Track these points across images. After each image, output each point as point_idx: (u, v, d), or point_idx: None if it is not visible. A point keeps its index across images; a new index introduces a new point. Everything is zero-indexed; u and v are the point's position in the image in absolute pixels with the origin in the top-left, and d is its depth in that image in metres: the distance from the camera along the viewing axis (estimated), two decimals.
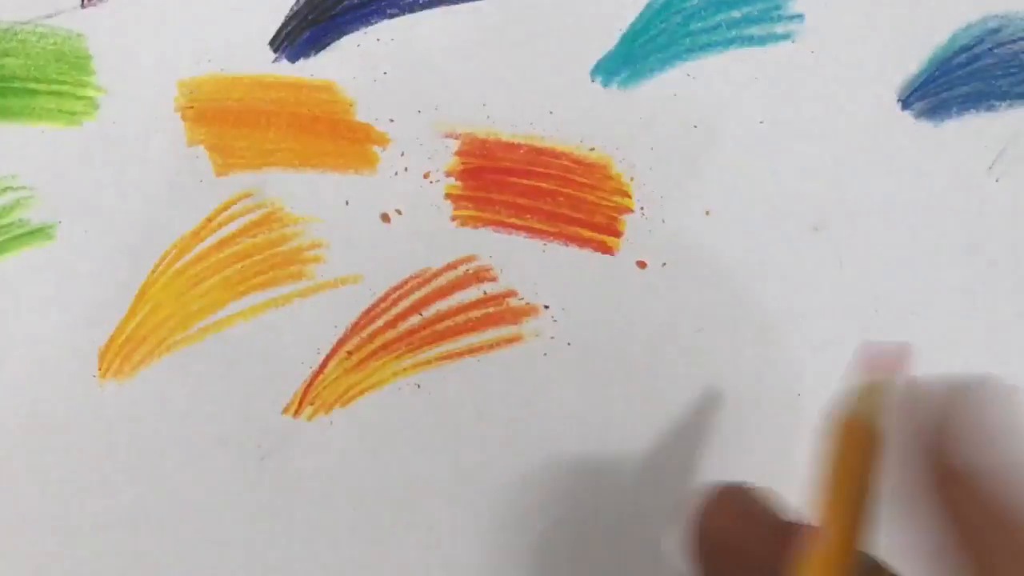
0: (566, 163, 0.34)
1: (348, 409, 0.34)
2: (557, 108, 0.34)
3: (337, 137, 0.34)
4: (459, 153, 0.34)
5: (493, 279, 0.34)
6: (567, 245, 0.34)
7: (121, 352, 0.33)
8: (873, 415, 0.21)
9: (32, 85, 0.33)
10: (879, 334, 0.33)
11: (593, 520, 0.33)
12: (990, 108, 0.34)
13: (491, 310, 0.34)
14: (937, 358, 0.33)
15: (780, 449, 0.33)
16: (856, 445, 0.21)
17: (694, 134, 0.34)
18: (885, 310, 0.34)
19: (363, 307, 0.34)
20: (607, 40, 0.34)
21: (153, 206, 0.33)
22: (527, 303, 0.34)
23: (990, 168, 0.34)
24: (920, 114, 0.34)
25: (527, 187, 0.34)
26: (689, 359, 0.34)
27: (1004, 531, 0.17)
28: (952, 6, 0.34)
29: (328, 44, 0.34)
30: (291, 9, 0.34)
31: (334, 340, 0.34)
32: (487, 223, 0.34)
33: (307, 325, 0.33)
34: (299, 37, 0.34)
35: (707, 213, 0.34)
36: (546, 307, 0.34)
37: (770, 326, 0.34)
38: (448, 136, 0.33)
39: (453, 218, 0.34)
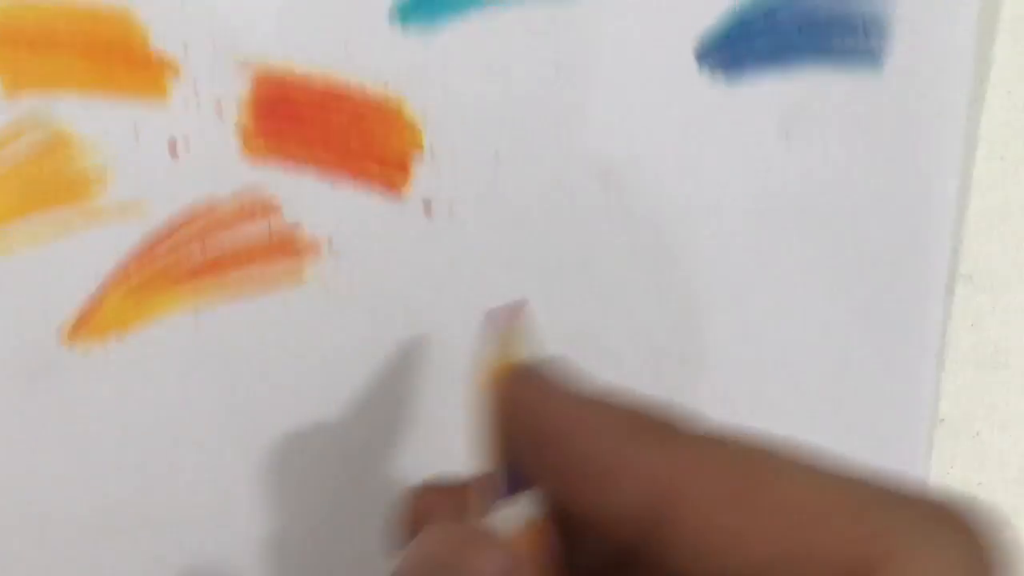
0: (359, 100, 0.33)
1: (124, 338, 0.33)
2: (355, 45, 0.33)
3: (129, 64, 0.33)
4: (252, 86, 0.33)
5: (278, 213, 0.33)
6: (355, 181, 0.33)
7: None
8: (513, 361, 0.23)
9: None
10: (665, 285, 0.33)
11: (365, 469, 0.33)
12: (785, 67, 0.34)
13: (275, 242, 0.33)
14: (724, 316, 0.32)
15: None
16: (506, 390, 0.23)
17: (489, 80, 0.34)
18: (670, 262, 0.33)
19: (145, 235, 0.33)
20: None
21: None
22: (311, 240, 0.33)
23: (782, 128, 0.34)
24: (715, 68, 0.34)
25: (319, 122, 0.33)
26: (472, 307, 0.34)
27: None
28: None
29: None
30: None
31: (113, 268, 0.33)
32: (277, 156, 0.33)
33: (87, 251, 0.33)
34: None
35: (496, 157, 0.34)
36: (330, 244, 0.33)
37: (552, 273, 0.33)
38: (243, 68, 0.33)
39: (242, 150, 0.33)
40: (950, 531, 0.18)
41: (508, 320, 0.24)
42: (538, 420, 0.21)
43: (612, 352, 0.35)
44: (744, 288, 0.34)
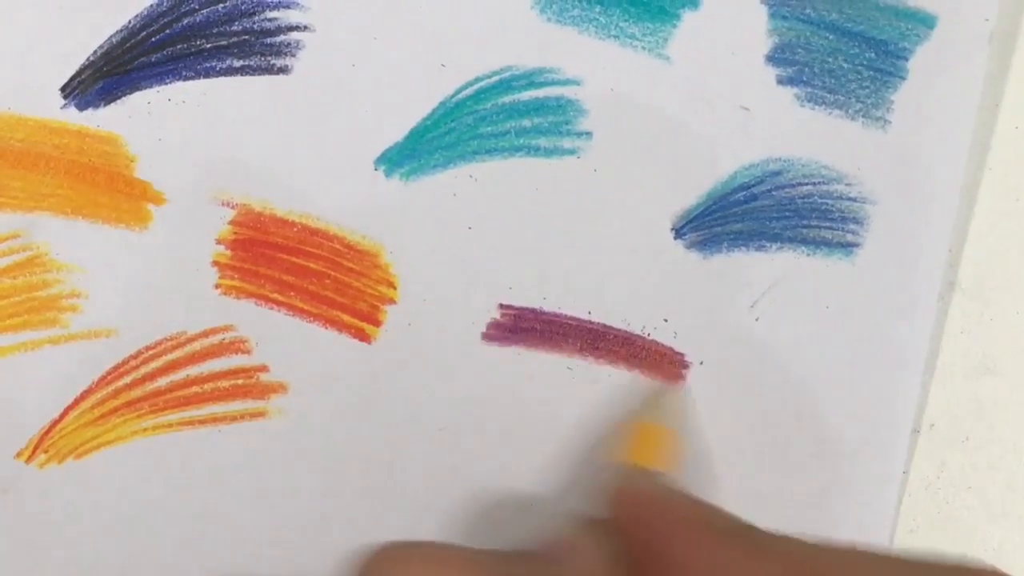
0: (337, 246, 0.34)
1: (82, 462, 0.33)
2: (337, 191, 0.34)
3: (114, 190, 0.34)
4: (232, 222, 0.34)
5: (247, 352, 0.34)
6: (326, 327, 0.34)
7: None
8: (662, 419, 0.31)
9: None
10: None
11: None
12: (760, 248, 0.34)
13: (240, 382, 0.34)
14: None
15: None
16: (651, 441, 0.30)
17: (468, 236, 0.34)
18: None
19: (113, 362, 0.33)
20: (396, 132, 0.34)
21: None
22: (277, 380, 0.34)
23: (752, 306, 0.34)
24: (691, 245, 0.34)
25: (295, 265, 0.34)
26: (434, 459, 0.34)
27: None
28: (737, 144, 0.34)
29: (119, 97, 0.34)
30: (87, 58, 0.34)
31: (79, 391, 0.33)
32: (250, 295, 0.34)
33: (54, 373, 0.33)
34: (92, 87, 0.34)
35: (465, 315, 0.34)
36: (295, 386, 0.33)
37: (510, 432, 0.33)
38: (224, 204, 0.34)
39: (217, 286, 0.34)
40: None
41: (663, 388, 0.30)
42: (650, 512, 0.24)
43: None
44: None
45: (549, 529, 0.25)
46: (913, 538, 0.36)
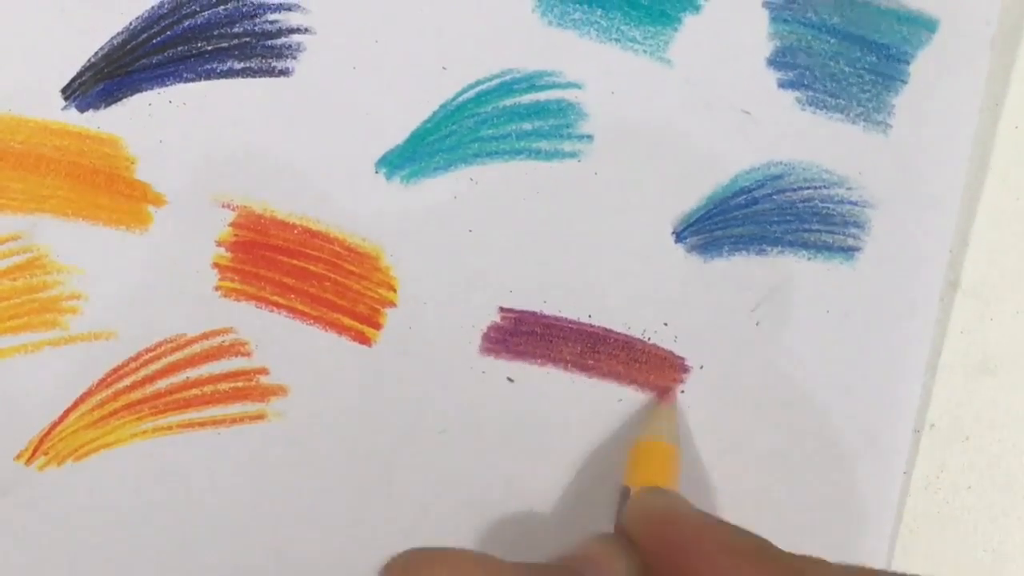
0: (337, 249, 0.34)
1: (81, 464, 0.33)
2: (337, 194, 0.34)
3: (114, 192, 0.34)
4: (233, 224, 0.34)
5: (247, 354, 0.34)
6: (326, 330, 0.34)
7: None
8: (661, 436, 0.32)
9: None
10: None
11: None
12: (761, 252, 0.34)
13: (239, 384, 0.34)
14: None
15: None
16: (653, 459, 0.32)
17: (469, 239, 0.34)
18: None
19: (113, 364, 0.33)
20: (397, 134, 0.34)
21: None
22: (277, 383, 0.34)
23: (752, 310, 0.34)
24: (692, 249, 0.34)
25: (295, 268, 0.34)
26: (433, 462, 0.34)
27: None
28: (738, 147, 0.34)
29: (120, 99, 0.34)
30: (88, 60, 0.34)
31: (78, 393, 0.33)
32: (250, 298, 0.34)
33: (54, 375, 0.33)
34: (92, 88, 0.34)
35: (464, 318, 0.34)
36: (295, 389, 0.33)
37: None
38: (224, 206, 0.34)
39: (217, 288, 0.34)
40: None
41: (660, 401, 0.31)
42: (666, 527, 0.25)
43: None
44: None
45: (570, 543, 0.25)
46: (913, 538, 0.36)
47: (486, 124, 0.34)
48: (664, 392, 0.34)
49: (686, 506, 0.26)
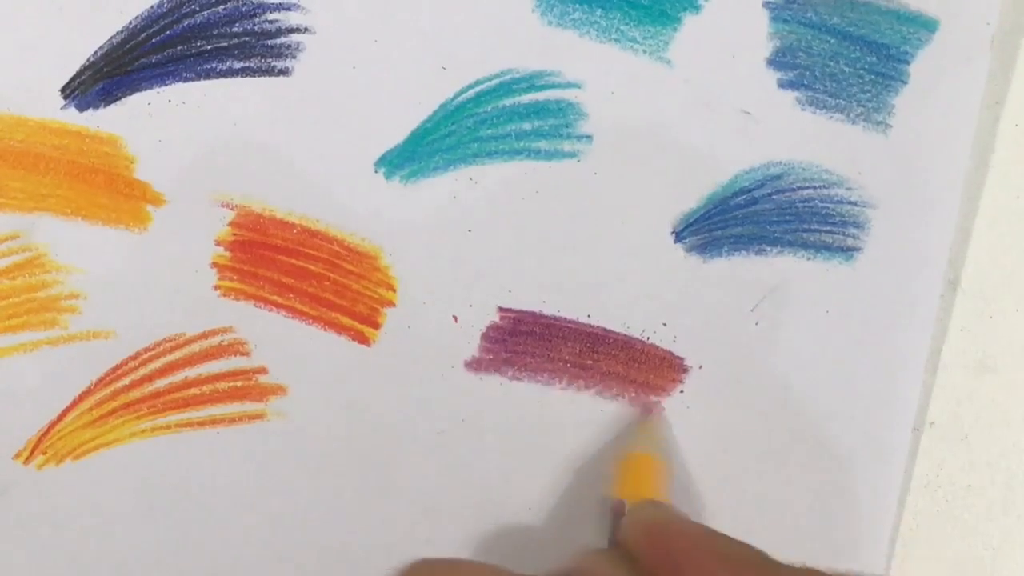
0: (336, 248, 0.34)
1: (80, 463, 0.33)
2: (337, 193, 0.34)
3: (113, 191, 0.34)
4: (232, 224, 0.34)
5: (246, 354, 0.34)
6: (325, 330, 0.34)
7: None
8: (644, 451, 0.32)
9: None
10: None
11: None
12: (760, 252, 0.34)
13: (238, 384, 0.34)
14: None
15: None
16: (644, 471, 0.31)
17: (468, 238, 0.34)
18: None
19: (112, 363, 0.33)
20: (396, 134, 0.34)
21: None
22: (276, 382, 0.34)
23: (752, 310, 0.34)
24: (691, 248, 0.34)
25: (294, 267, 0.34)
26: (431, 462, 0.34)
27: None
28: (738, 147, 0.34)
29: (119, 98, 0.34)
30: (88, 59, 0.34)
31: (77, 392, 0.33)
32: (249, 297, 0.34)
33: (52, 374, 0.33)
34: (92, 88, 0.34)
35: (455, 319, 0.34)
36: (294, 389, 0.33)
37: (512, 435, 0.33)
38: (224, 206, 0.33)
39: (216, 287, 0.34)
40: None
41: (644, 414, 0.31)
42: (663, 540, 0.25)
43: None
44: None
45: (567, 555, 0.25)
46: (913, 537, 0.36)
47: (486, 124, 0.34)
48: (650, 408, 0.34)
49: (683, 519, 0.26)
